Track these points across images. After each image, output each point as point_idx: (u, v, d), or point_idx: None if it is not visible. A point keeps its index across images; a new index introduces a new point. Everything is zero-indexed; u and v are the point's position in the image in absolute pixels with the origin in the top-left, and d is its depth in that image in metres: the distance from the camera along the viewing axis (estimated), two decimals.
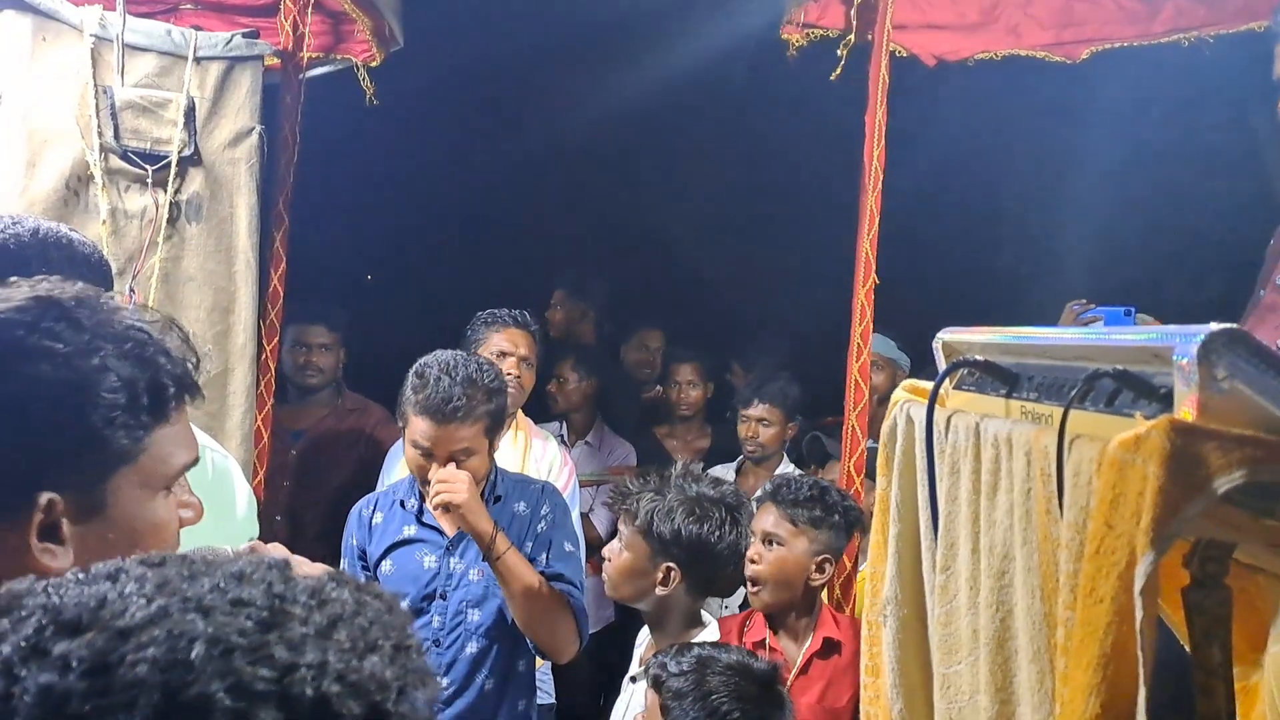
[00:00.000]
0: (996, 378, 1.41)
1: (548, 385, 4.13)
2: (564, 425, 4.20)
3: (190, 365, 1.09)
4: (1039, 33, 3.16)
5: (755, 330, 4.91)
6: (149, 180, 2.83)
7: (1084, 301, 2.43)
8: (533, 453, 3.38)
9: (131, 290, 2.78)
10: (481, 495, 2.61)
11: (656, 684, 1.99)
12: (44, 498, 0.97)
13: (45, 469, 0.97)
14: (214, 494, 1.86)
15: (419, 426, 2.48)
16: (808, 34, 3.23)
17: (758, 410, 3.98)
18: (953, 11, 3.18)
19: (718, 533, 2.32)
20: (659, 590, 2.33)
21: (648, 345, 4.74)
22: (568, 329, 4.78)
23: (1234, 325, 0.90)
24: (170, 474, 1.08)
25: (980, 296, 5.01)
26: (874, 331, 3.28)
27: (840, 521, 2.58)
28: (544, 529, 2.64)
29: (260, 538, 3.39)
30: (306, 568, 1.15)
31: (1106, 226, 4.79)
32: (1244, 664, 1.51)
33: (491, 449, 2.59)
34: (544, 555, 2.61)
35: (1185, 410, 0.90)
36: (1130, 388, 1.00)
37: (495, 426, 2.56)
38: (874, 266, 3.07)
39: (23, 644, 0.60)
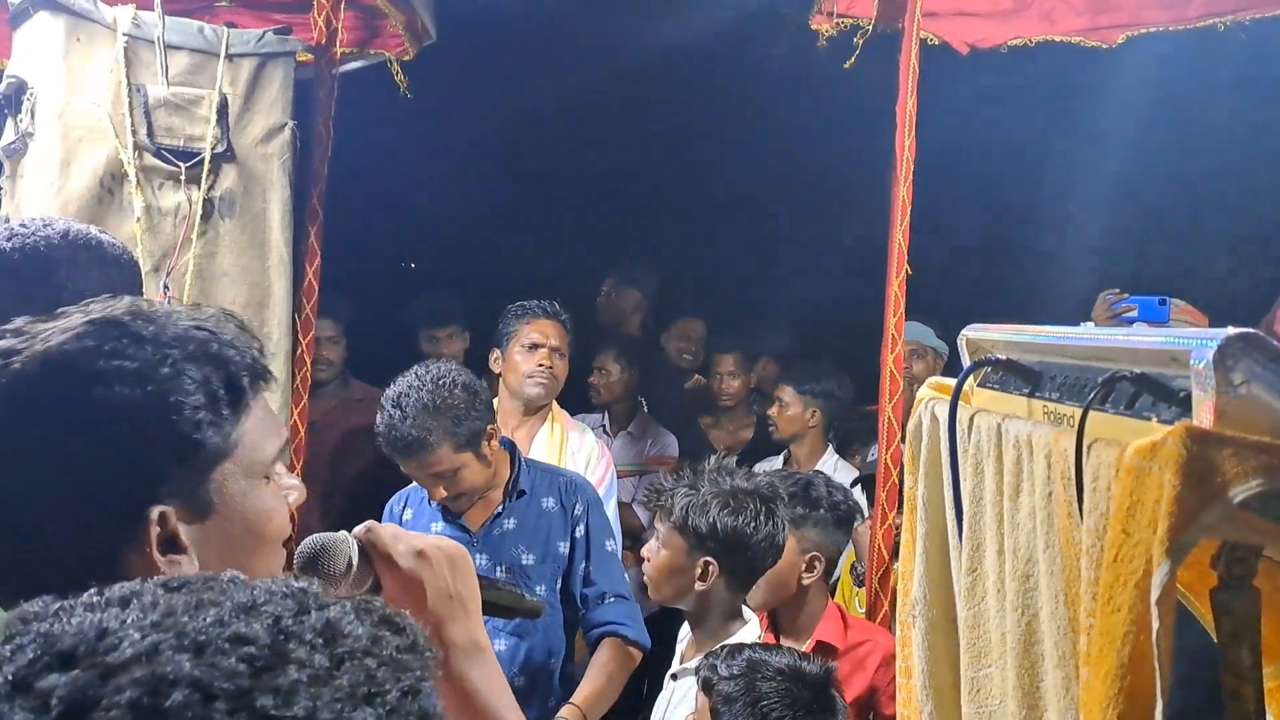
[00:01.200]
0: (1019, 377, 1.38)
1: (589, 377, 4.14)
2: (606, 416, 4.21)
3: (256, 352, 1.08)
4: (1073, 18, 3.11)
5: (787, 321, 4.86)
6: (183, 177, 2.86)
7: (1117, 291, 2.39)
8: (569, 445, 3.38)
9: (166, 287, 2.81)
10: (505, 491, 2.63)
11: (707, 687, 1.99)
12: (155, 512, 0.98)
13: (149, 485, 0.98)
14: None
15: (399, 463, 2.56)
16: (838, 23, 3.20)
17: (780, 392, 3.99)
18: None
19: (753, 524, 2.27)
20: (698, 586, 2.29)
21: (689, 334, 4.73)
22: (618, 319, 4.78)
23: (1251, 330, 0.87)
24: (267, 460, 1.08)
25: (1020, 284, 4.94)
26: (912, 320, 3.25)
27: (827, 516, 2.55)
28: (582, 534, 2.63)
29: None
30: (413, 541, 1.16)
31: (1150, 214, 4.71)
32: (1276, 663, 1.48)
33: (482, 457, 2.56)
34: (585, 564, 2.62)
35: (1202, 416, 0.88)
36: (1149, 391, 0.98)
37: (471, 440, 2.53)
38: (906, 257, 3.03)
39: (12, 676, 0.59)
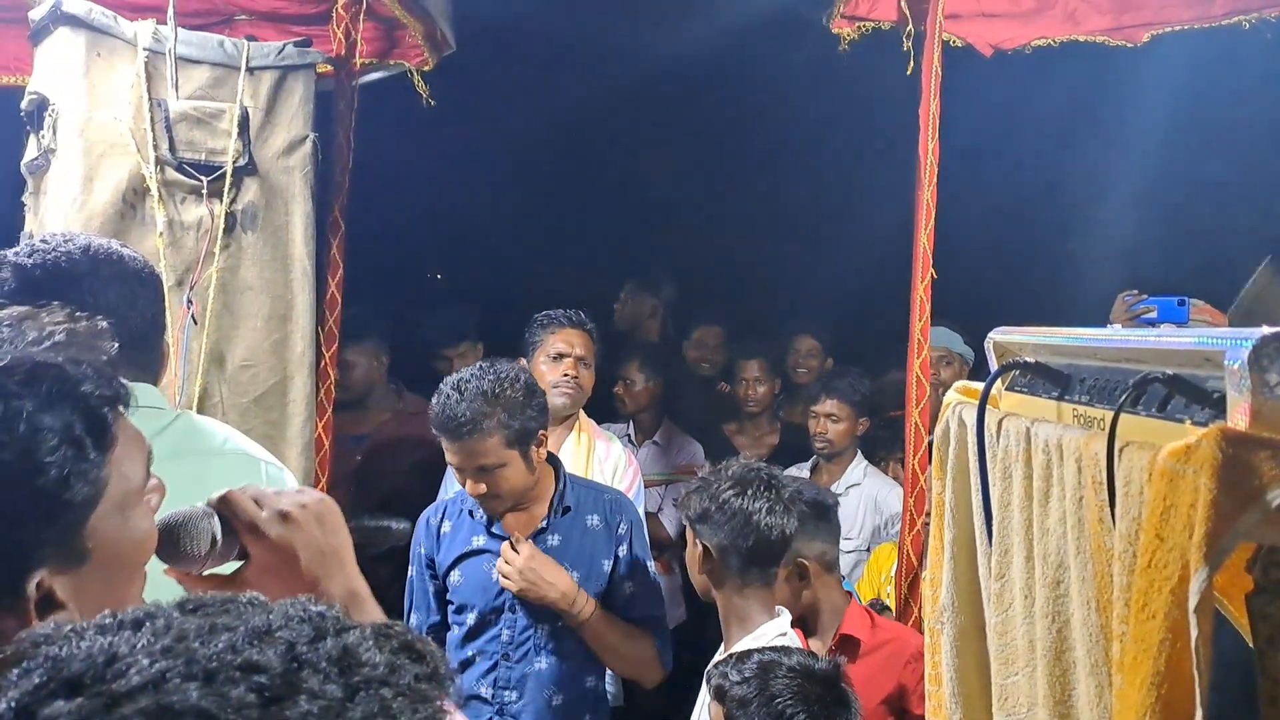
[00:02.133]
0: (1048, 379, 1.36)
1: (614, 388, 4.13)
2: (631, 426, 4.20)
3: (108, 370, 1.01)
4: (1097, 18, 3.08)
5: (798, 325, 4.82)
6: (204, 191, 2.86)
7: (1135, 292, 2.36)
8: (596, 454, 3.36)
9: (189, 301, 2.82)
10: (550, 505, 2.60)
11: (720, 695, 1.97)
12: (33, 583, 0.93)
13: (24, 557, 0.93)
14: None
15: (445, 446, 2.52)
16: (859, 27, 3.18)
17: (826, 406, 3.93)
18: None
19: (760, 504, 2.26)
20: (701, 571, 2.32)
21: (706, 342, 4.72)
22: (634, 324, 4.78)
23: None
24: (137, 486, 1.04)
25: (1046, 287, 4.89)
26: (939, 325, 3.22)
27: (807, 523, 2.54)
28: (626, 553, 2.62)
29: None
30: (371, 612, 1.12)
31: (1179, 213, 4.65)
32: None
33: (529, 460, 2.53)
34: (628, 584, 2.60)
35: (1237, 417, 0.86)
36: (1182, 393, 0.96)
37: (522, 438, 2.51)
38: (931, 261, 3.01)
39: (16, 702, 0.58)
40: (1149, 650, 0.92)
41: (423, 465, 3.81)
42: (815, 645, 2.54)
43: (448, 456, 2.53)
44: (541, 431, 2.58)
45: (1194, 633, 0.86)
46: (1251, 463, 0.82)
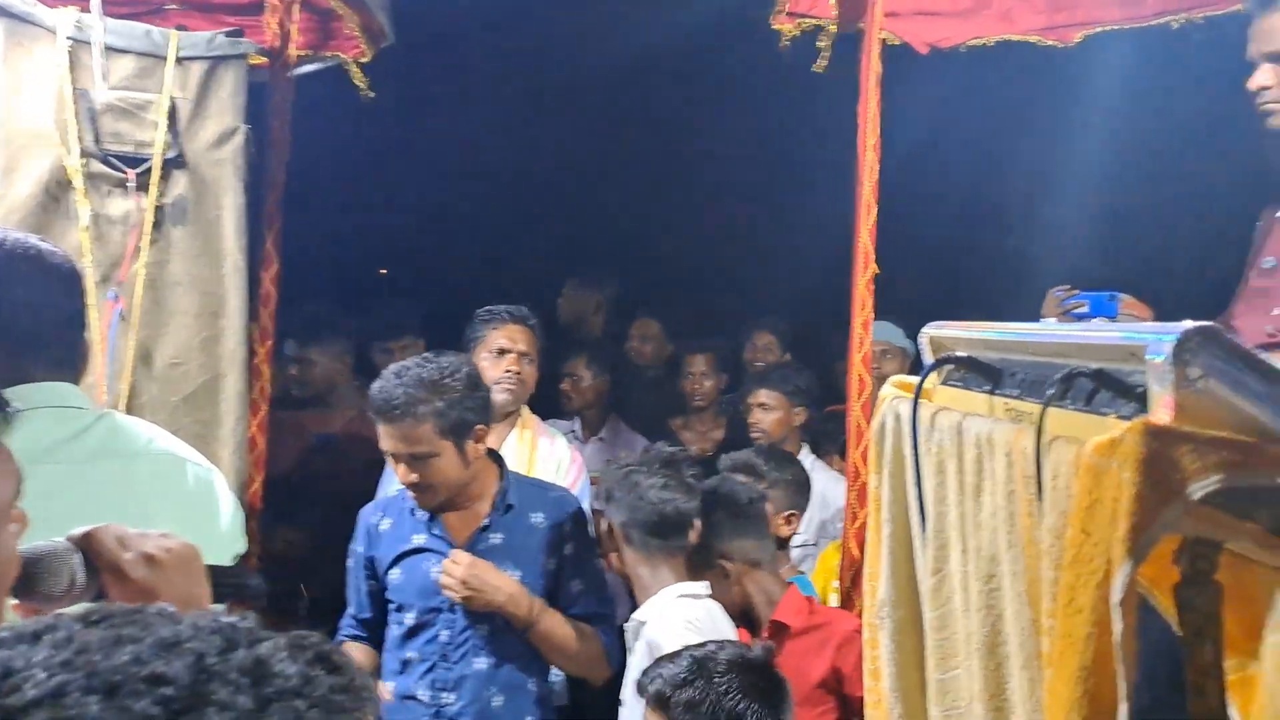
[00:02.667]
0: (980, 374, 1.37)
1: (560, 384, 4.09)
2: (578, 422, 4.17)
3: None
4: (1031, 17, 3.11)
5: (756, 320, 4.85)
6: (131, 184, 2.79)
7: (1067, 287, 2.40)
8: (540, 451, 3.33)
9: (115, 296, 2.75)
10: (491, 505, 2.57)
11: (661, 701, 1.96)
12: None
13: None
14: (194, 507, 1.81)
15: (378, 430, 2.50)
16: (799, 23, 3.18)
17: (760, 396, 3.96)
18: None
19: (655, 480, 2.41)
20: (605, 545, 2.49)
21: (644, 335, 4.71)
22: (578, 320, 4.75)
23: (1209, 323, 0.85)
24: (5, 506, 1.00)
25: (989, 282, 4.95)
26: (881, 319, 3.24)
27: (723, 516, 2.59)
28: (571, 551, 2.59)
29: (274, 548, 3.39)
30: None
31: (1114, 210, 4.73)
32: (1242, 655, 1.46)
33: (464, 453, 2.50)
34: (575, 582, 2.58)
35: (1160, 411, 0.86)
36: (1107, 387, 0.96)
37: (457, 429, 2.48)
38: (873, 256, 3.02)
39: None
40: (1075, 644, 0.93)
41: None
42: (751, 637, 2.56)
43: (381, 442, 2.50)
44: (480, 426, 2.55)
45: (1118, 626, 0.86)
46: (1174, 457, 0.82)
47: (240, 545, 1.98)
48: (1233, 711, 1.32)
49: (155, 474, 1.72)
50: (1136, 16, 3.05)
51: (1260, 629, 1.39)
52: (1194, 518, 0.87)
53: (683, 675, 1.94)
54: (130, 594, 1.08)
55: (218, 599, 1.19)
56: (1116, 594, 0.85)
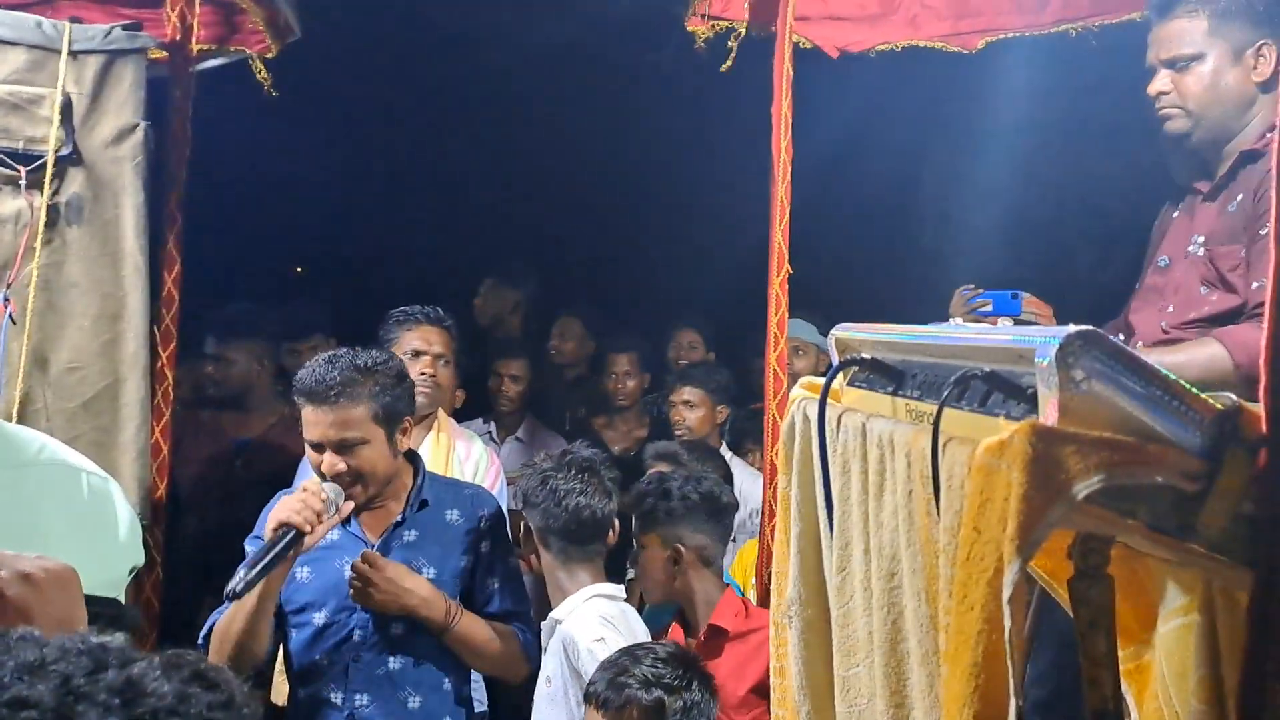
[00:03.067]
0: (884, 375, 1.39)
1: (489, 384, 4.06)
2: (493, 423, 4.13)
3: None
4: (936, 23, 3.19)
5: (675, 318, 4.87)
6: (23, 182, 2.69)
7: (972, 286, 2.47)
8: (456, 453, 3.29)
9: (7, 300, 2.64)
10: (405, 502, 2.53)
11: (604, 703, 2.00)
12: None
13: None
14: (89, 517, 1.75)
15: (305, 416, 2.42)
16: (713, 25, 3.20)
17: (684, 394, 3.99)
18: (853, 3, 3.20)
19: (553, 484, 2.45)
20: (524, 550, 2.52)
21: (566, 333, 4.70)
22: (496, 320, 4.71)
23: (1091, 327, 0.88)
24: None
25: (901, 281, 5.04)
26: (795, 316, 3.28)
27: (679, 507, 2.62)
28: (487, 549, 2.56)
29: (187, 554, 3.29)
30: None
31: (1019, 208, 4.85)
32: (1137, 643, 1.51)
33: (393, 444, 2.47)
34: (492, 580, 2.54)
35: (1047, 413, 0.88)
36: (999, 389, 0.98)
37: (389, 418, 2.44)
38: (787, 256, 3.06)
39: None
40: (968, 640, 0.94)
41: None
42: (692, 642, 2.60)
43: (309, 431, 2.41)
44: (408, 418, 2.52)
45: (1007, 623, 0.88)
46: (1059, 457, 0.84)
47: (138, 557, 1.92)
48: (1129, 700, 1.37)
49: (46, 485, 1.65)
50: (1036, 24, 3.15)
51: (1153, 618, 1.43)
52: (1081, 516, 0.89)
53: (610, 670, 1.99)
54: (3, 614, 1.04)
55: (94, 624, 1.15)
56: (1006, 591, 0.87)
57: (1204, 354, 1.99)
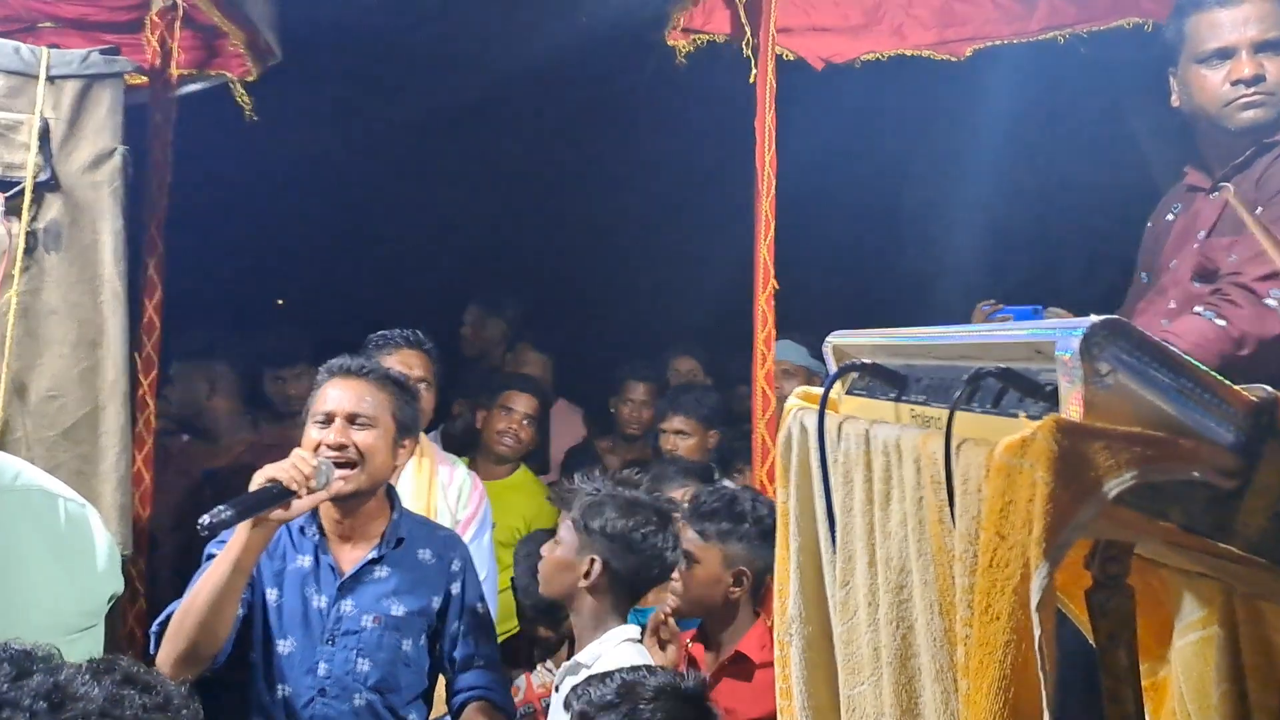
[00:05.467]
0: (885, 381, 1.35)
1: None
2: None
3: None
4: (922, 32, 3.17)
5: (663, 343, 4.84)
6: (1, 208, 2.65)
7: (993, 302, 2.41)
8: (439, 479, 3.25)
9: None
10: (383, 537, 2.49)
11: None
12: None
13: None
14: (67, 544, 1.71)
15: (325, 393, 2.45)
16: (694, 40, 3.19)
17: (674, 423, 3.94)
18: (836, 14, 3.18)
19: (642, 531, 2.34)
20: (582, 583, 2.34)
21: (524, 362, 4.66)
22: (483, 350, 4.67)
23: (1116, 316, 0.84)
24: None
25: (888, 298, 5.02)
26: (783, 338, 3.25)
27: (752, 530, 2.54)
28: (458, 591, 2.54)
29: (153, 585, 3.22)
30: None
31: (1005, 221, 4.84)
32: (1152, 659, 1.47)
33: (395, 449, 2.48)
34: (457, 623, 2.52)
35: (1071, 408, 0.84)
36: (1015, 386, 0.94)
37: (401, 424, 2.48)
38: (773, 272, 3.03)
39: None
40: (994, 653, 0.90)
41: None
42: (710, 659, 2.54)
43: (324, 403, 2.42)
44: (409, 440, 2.55)
45: (1038, 631, 0.83)
46: (1087, 454, 0.80)
47: (117, 585, 1.87)
48: (1147, 718, 1.32)
49: (23, 510, 1.61)
50: (1024, 31, 3.14)
51: (1169, 633, 1.39)
52: (1108, 518, 0.85)
53: (608, 697, 1.90)
54: None
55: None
56: (1034, 598, 0.83)
57: (1192, 330, 1.96)
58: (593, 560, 2.33)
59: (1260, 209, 2.05)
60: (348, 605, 2.42)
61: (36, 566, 1.58)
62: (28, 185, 2.70)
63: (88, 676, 0.61)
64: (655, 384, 4.45)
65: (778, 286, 3.05)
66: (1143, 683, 1.36)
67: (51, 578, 1.64)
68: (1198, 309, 2.02)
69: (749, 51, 3.08)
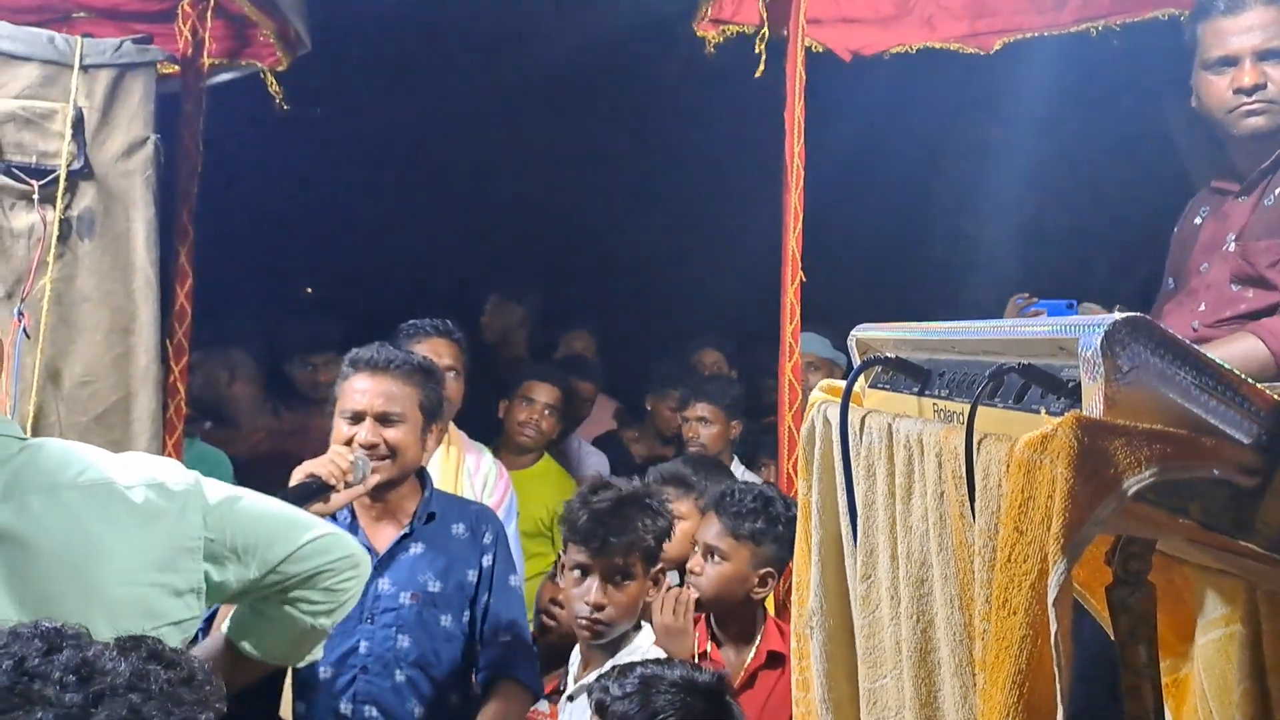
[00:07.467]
0: (908, 375, 1.35)
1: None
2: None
3: None
4: (952, 24, 3.14)
5: (702, 337, 4.83)
6: (36, 196, 2.68)
7: (1027, 295, 2.40)
8: (466, 467, 3.27)
9: (21, 314, 2.63)
10: (414, 513, 2.52)
11: (601, 710, 1.92)
12: None
13: None
14: (145, 536, 1.62)
15: (353, 387, 2.47)
16: (722, 30, 3.17)
17: (698, 410, 3.93)
18: (867, 5, 3.15)
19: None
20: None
21: (575, 347, 4.67)
22: (503, 336, 4.68)
23: (1138, 314, 0.83)
24: None
25: (914, 291, 4.99)
26: (809, 331, 3.23)
27: (784, 533, 2.52)
28: (489, 564, 2.55)
29: None
30: None
31: (1035, 216, 4.81)
32: (1174, 656, 1.46)
33: (423, 439, 2.52)
34: (487, 595, 2.53)
35: (1092, 405, 0.84)
36: (1037, 382, 0.94)
37: (428, 412, 2.52)
38: (800, 264, 3.02)
39: None
40: (1010, 647, 0.90)
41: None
42: (728, 654, 2.51)
43: (352, 400, 2.45)
44: (437, 425, 2.59)
45: (1054, 627, 0.83)
46: (1108, 450, 0.80)
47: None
48: (1167, 715, 1.32)
49: (88, 506, 1.57)
50: (1056, 24, 3.09)
51: (1191, 630, 1.38)
52: (1128, 515, 0.85)
53: (626, 688, 1.90)
54: None
55: None
56: (1051, 594, 0.82)
57: (1240, 348, 1.92)
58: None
59: None
60: (385, 583, 2.45)
61: (108, 563, 1.54)
62: (61, 173, 2.71)
63: (115, 653, 0.64)
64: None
65: (805, 279, 3.04)
66: (1165, 679, 1.36)
67: (129, 570, 1.57)
68: (1255, 334, 1.99)
69: (761, 46, 3.06)
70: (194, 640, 1.70)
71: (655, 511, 2.36)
